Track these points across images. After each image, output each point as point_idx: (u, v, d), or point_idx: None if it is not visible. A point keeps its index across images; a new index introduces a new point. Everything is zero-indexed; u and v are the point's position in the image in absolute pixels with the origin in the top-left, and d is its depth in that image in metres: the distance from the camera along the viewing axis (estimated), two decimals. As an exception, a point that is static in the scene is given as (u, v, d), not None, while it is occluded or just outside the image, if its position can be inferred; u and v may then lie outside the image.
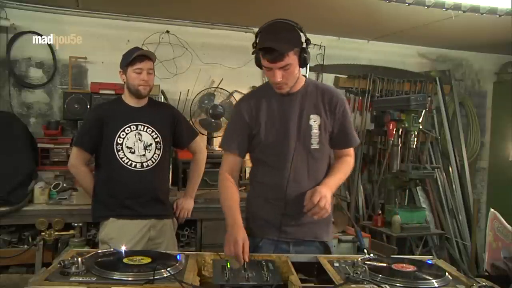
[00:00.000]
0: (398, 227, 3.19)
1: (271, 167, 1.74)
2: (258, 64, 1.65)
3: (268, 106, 1.73)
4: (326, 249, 1.78)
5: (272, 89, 1.70)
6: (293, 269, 1.41)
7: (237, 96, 3.65)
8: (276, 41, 1.55)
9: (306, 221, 1.73)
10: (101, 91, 3.09)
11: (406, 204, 3.59)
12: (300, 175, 1.71)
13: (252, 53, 1.65)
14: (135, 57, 2.16)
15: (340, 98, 1.76)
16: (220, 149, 3.37)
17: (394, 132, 3.43)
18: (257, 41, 1.62)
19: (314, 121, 1.72)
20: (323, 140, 1.73)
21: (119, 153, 2.18)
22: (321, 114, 1.72)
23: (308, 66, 1.65)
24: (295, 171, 1.70)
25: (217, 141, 3.50)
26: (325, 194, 1.57)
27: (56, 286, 1.18)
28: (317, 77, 3.87)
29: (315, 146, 1.72)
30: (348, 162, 1.79)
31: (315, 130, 1.71)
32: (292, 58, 1.58)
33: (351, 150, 1.82)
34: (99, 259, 1.36)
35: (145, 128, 2.24)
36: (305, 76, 1.76)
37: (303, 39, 1.61)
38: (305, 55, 1.60)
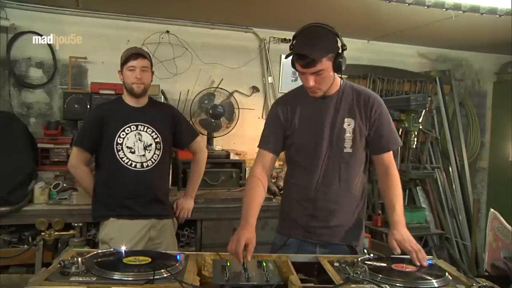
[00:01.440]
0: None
1: (303, 169, 1.76)
2: (294, 67, 1.65)
3: (303, 108, 1.75)
4: (353, 253, 1.75)
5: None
6: (293, 269, 1.41)
7: (237, 96, 3.65)
8: (310, 47, 1.56)
9: (334, 224, 1.74)
10: (101, 91, 3.09)
11: (406, 204, 3.59)
12: (330, 178, 1.72)
13: (286, 57, 1.67)
14: (129, 55, 2.16)
15: (377, 100, 1.74)
16: (220, 148, 3.43)
17: (394, 132, 3.43)
18: (293, 44, 1.62)
19: (348, 124, 1.72)
20: (357, 144, 1.73)
21: (119, 153, 2.18)
22: (355, 118, 1.72)
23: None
24: (325, 174, 1.71)
25: (217, 141, 3.50)
26: (409, 236, 1.57)
27: (56, 286, 1.18)
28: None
29: (348, 150, 1.71)
30: (397, 183, 1.74)
31: (348, 134, 1.71)
32: (325, 64, 1.58)
33: (391, 158, 1.77)
34: (99, 259, 1.36)
35: (145, 128, 2.23)
36: (342, 78, 1.76)
37: (339, 44, 1.61)
38: (340, 60, 1.60)
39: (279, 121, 1.77)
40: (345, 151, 1.72)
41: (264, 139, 1.81)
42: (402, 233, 1.57)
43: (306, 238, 1.76)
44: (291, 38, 1.64)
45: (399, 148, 3.48)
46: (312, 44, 1.57)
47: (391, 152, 1.78)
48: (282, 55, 3.79)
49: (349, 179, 1.74)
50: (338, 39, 1.61)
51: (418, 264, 1.49)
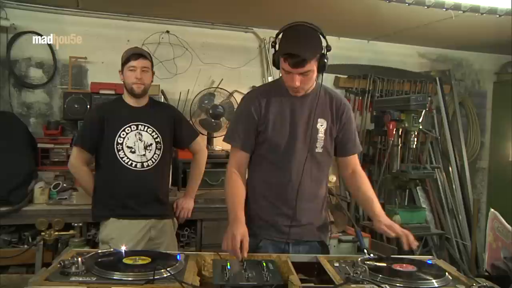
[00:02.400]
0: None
1: (275, 167, 1.73)
2: (276, 65, 1.65)
3: (278, 105, 1.73)
4: (324, 248, 1.80)
5: (283, 87, 1.71)
6: (293, 269, 1.41)
7: (237, 96, 3.64)
8: (301, 47, 1.55)
9: (305, 222, 1.76)
10: (101, 91, 3.08)
11: (406, 204, 3.59)
12: (303, 177, 1.72)
13: (274, 55, 1.65)
14: (129, 55, 2.17)
15: (347, 105, 1.80)
16: (220, 148, 3.43)
17: (394, 132, 3.43)
18: (278, 43, 1.61)
19: (321, 125, 1.74)
20: (327, 145, 1.76)
21: (119, 153, 2.18)
22: (328, 119, 1.75)
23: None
24: (298, 172, 1.71)
25: (217, 141, 3.50)
26: (397, 225, 1.65)
27: (56, 286, 1.17)
28: (317, 77, 3.86)
29: (319, 150, 1.74)
30: (366, 178, 1.85)
31: (321, 134, 1.73)
32: (313, 65, 1.59)
33: (357, 159, 1.85)
34: (99, 259, 1.36)
35: (146, 128, 2.24)
36: (316, 80, 1.76)
37: (324, 44, 1.61)
38: (325, 60, 1.60)
39: (251, 117, 1.72)
40: (316, 150, 1.73)
41: (235, 135, 1.75)
42: (388, 220, 1.67)
43: (278, 238, 1.73)
44: (275, 36, 1.62)
45: (399, 148, 3.51)
46: (304, 44, 1.56)
47: (356, 154, 1.86)
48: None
49: (319, 178, 1.77)
50: (323, 39, 1.61)
51: (408, 248, 1.56)
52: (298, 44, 1.56)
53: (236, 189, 1.70)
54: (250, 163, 1.80)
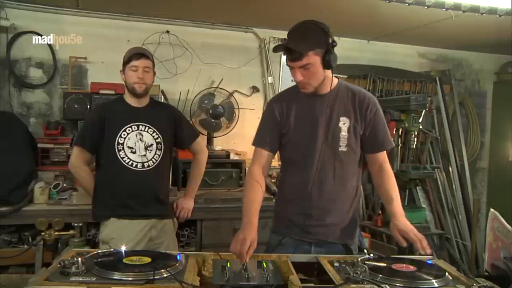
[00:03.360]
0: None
1: (297, 167, 1.76)
2: (286, 63, 1.68)
3: (298, 106, 1.75)
4: (348, 253, 1.77)
5: None
6: (293, 269, 1.41)
7: (237, 96, 3.65)
8: (296, 41, 1.58)
9: (329, 222, 1.75)
10: (101, 91, 3.08)
11: (406, 204, 3.59)
12: (325, 176, 1.72)
13: (273, 50, 1.68)
14: (131, 55, 2.16)
15: (372, 100, 1.76)
16: (220, 148, 3.43)
17: (394, 132, 3.43)
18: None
19: (344, 123, 1.73)
20: (352, 143, 1.74)
21: (120, 153, 2.18)
22: (351, 117, 1.73)
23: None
24: (320, 172, 1.71)
25: (217, 141, 3.50)
26: (411, 226, 1.59)
27: (56, 286, 1.18)
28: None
29: (342, 148, 1.72)
30: (392, 176, 1.77)
31: (343, 133, 1.72)
32: (312, 58, 1.59)
33: (385, 156, 1.80)
34: (99, 259, 1.36)
35: (146, 128, 2.24)
36: (338, 78, 1.77)
37: (329, 40, 1.61)
38: (328, 56, 1.60)
39: (275, 120, 1.77)
40: (340, 149, 1.72)
41: (260, 137, 1.80)
42: (404, 223, 1.60)
43: (301, 237, 1.75)
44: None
45: (399, 148, 3.51)
46: (298, 38, 1.59)
47: (385, 151, 1.81)
48: (282, 55, 3.79)
49: (344, 177, 1.75)
50: (328, 35, 1.61)
51: (423, 252, 1.51)
52: (293, 38, 1.60)
53: (254, 194, 1.71)
54: (281, 167, 1.88)
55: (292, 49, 1.58)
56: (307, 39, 1.59)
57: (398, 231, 1.58)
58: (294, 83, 1.76)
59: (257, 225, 1.60)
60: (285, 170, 1.86)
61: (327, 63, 1.62)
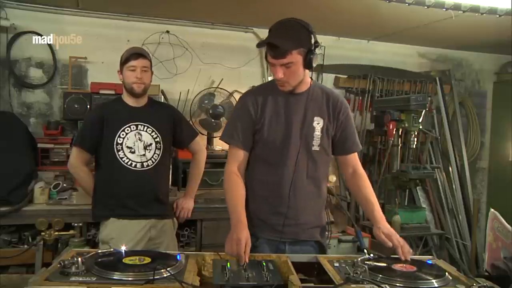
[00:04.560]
0: (398, 227, 3.19)
1: (270, 165, 1.73)
2: (266, 58, 1.67)
3: (273, 103, 1.73)
4: (321, 249, 1.79)
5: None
6: (293, 269, 1.41)
7: (237, 96, 3.64)
8: (280, 38, 1.57)
9: (302, 221, 1.75)
10: (101, 91, 3.08)
11: (406, 204, 3.59)
12: (299, 175, 1.72)
13: (257, 46, 1.67)
14: (129, 55, 2.17)
15: (344, 103, 1.79)
16: (220, 148, 3.43)
17: (394, 132, 3.43)
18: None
19: (317, 123, 1.73)
20: (324, 143, 1.75)
21: (119, 153, 2.18)
22: (324, 118, 1.74)
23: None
24: (295, 171, 1.70)
25: (217, 141, 3.50)
26: (394, 231, 1.65)
27: (56, 286, 1.17)
28: (317, 77, 3.87)
29: (315, 148, 1.73)
30: (367, 180, 1.81)
31: (317, 132, 1.73)
32: (295, 57, 1.58)
33: (357, 159, 1.83)
34: (99, 259, 1.36)
35: (145, 128, 2.24)
36: (311, 79, 1.77)
37: (312, 41, 1.61)
38: (311, 56, 1.60)
39: (249, 116, 1.72)
40: (313, 149, 1.73)
41: (233, 134, 1.74)
42: (387, 228, 1.66)
43: (275, 237, 1.73)
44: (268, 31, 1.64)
45: (399, 148, 3.51)
46: (284, 35, 1.58)
47: (356, 153, 1.84)
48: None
49: (316, 177, 1.76)
50: (312, 35, 1.61)
51: (403, 258, 1.54)
52: (278, 35, 1.58)
53: (237, 190, 1.69)
54: (248, 163, 1.79)
55: (276, 46, 1.56)
56: (292, 37, 1.58)
57: (384, 234, 1.62)
58: None
59: (246, 222, 1.59)
60: (255, 167, 1.77)
61: (309, 63, 1.61)
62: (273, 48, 1.58)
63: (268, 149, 1.73)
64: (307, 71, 1.68)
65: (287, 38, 1.57)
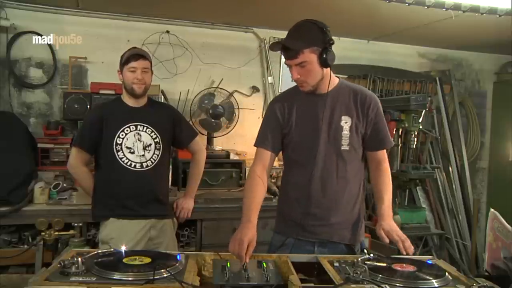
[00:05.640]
0: (398, 227, 3.19)
1: (299, 166, 1.76)
2: (285, 62, 1.70)
3: (300, 106, 1.75)
4: (351, 253, 1.76)
5: None
6: (293, 269, 1.41)
7: (237, 96, 3.65)
8: (291, 39, 1.61)
9: (333, 222, 1.74)
10: (101, 91, 3.08)
11: (406, 204, 3.60)
12: (328, 175, 1.72)
13: (270, 48, 1.73)
14: (129, 56, 2.17)
15: (374, 99, 1.77)
16: (220, 148, 3.43)
17: (394, 132, 3.43)
18: None
19: (345, 122, 1.73)
20: (354, 142, 1.74)
21: (118, 153, 2.18)
22: (352, 116, 1.73)
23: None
24: (322, 171, 1.71)
25: (217, 141, 3.50)
26: (395, 227, 1.65)
27: (56, 286, 1.18)
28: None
29: (345, 147, 1.73)
30: (388, 176, 1.79)
31: (345, 132, 1.72)
32: (308, 56, 1.60)
33: (385, 154, 1.82)
34: (99, 259, 1.36)
35: (145, 128, 2.24)
36: (339, 77, 1.77)
37: (327, 39, 1.61)
38: (325, 54, 1.61)
39: (277, 120, 1.77)
40: (342, 148, 1.72)
41: (262, 137, 1.80)
42: (390, 224, 1.65)
43: (304, 237, 1.74)
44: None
45: (399, 148, 3.51)
46: (294, 36, 1.61)
47: (385, 149, 1.82)
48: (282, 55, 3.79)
49: (346, 176, 1.75)
50: (326, 34, 1.61)
51: (405, 253, 1.54)
52: (290, 37, 1.62)
53: (255, 191, 1.70)
54: (283, 167, 1.87)
55: (288, 47, 1.60)
56: (302, 37, 1.60)
57: (383, 231, 1.62)
58: (294, 83, 1.76)
59: (256, 222, 1.59)
60: (288, 170, 1.85)
61: (324, 61, 1.62)
62: (285, 50, 1.61)
63: (297, 151, 1.76)
64: (328, 69, 1.68)
65: (297, 38, 1.60)
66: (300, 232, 1.74)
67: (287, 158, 1.83)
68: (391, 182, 1.79)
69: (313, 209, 1.73)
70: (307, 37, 1.60)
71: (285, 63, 1.68)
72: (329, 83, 1.73)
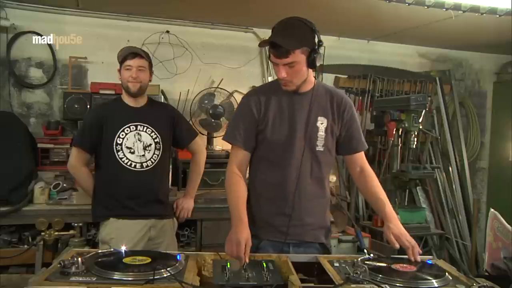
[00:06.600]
0: (398, 227, 3.19)
1: (274, 166, 1.71)
2: (269, 58, 1.66)
3: (277, 103, 1.71)
4: (325, 251, 1.78)
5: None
6: (293, 269, 1.41)
7: (237, 96, 3.64)
8: (283, 37, 1.56)
9: (307, 222, 1.73)
10: (101, 91, 3.08)
11: (406, 204, 3.59)
12: (303, 175, 1.70)
13: (259, 45, 1.66)
14: (126, 55, 2.17)
15: (348, 102, 1.77)
16: (220, 148, 3.42)
17: (394, 132, 3.43)
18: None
19: (321, 123, 1.72)
20: (329, 143, 1.73)
21: (118, 153, 2.18)
22: (328, 117, 1.73)
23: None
24: (299, 171, 1.69)
25: (217, 141, 3.50)
26: (405, 231, 1.60)
27: (56, 286, 1.17)
28: (317, 77, 3.87)
29: (320, 148, 1.71)
30: (375, 178, 1.79)
31: (321, 133, 1.71)
32: (298, 57, 1.57)
33: (364, 157, 1.81)
34: (99, 259, 1.36)
35: (145, 128, 2.24)
36: (315, 78, 1.76)
37: (316, 40, 1.60)
38: (314, 55, 1.59)
39: (252, 116, 1.70)
40: (317, 149, 1.71)
41: (235, 134, 1.71)
42: (398, 227, 1.61)
43: (279, 238, 1.71)
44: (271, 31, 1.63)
45: (399, 148, 3.51)
46: (286, 35, 1.56)
47: (363, 152, 1.82)
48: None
49: (320, 177, 1.75)
50: (315, 35, 1.59)
51: (413, 259, 1.52)
52: (281, 35, 1.57)
53: (238, 190, 1.67)
54: (251, 164, 1.78)
55: (279, 45, 1.55)
56: (295, 36, 1.57)
57: (393, 235, 1.59)
58: None
59: (247, 221, 1.57)
60: (257, 167, 1.76)
61: (312, 63, 1.61)
62: (276, 48, 1.56)
63: (271, 149, 1.71)
64: (310, 70, 1.67)
65: (290, 37, 1.56)
66: (275, 234, 1.71)
67: (258, 156, 1.74)
68: (379, 183, 1.79)
69: (289, 211, 1.69)
70: (299, 37, 1.57)
71: (271, 60, 1.63)
72: (314, 84, 1.73)
